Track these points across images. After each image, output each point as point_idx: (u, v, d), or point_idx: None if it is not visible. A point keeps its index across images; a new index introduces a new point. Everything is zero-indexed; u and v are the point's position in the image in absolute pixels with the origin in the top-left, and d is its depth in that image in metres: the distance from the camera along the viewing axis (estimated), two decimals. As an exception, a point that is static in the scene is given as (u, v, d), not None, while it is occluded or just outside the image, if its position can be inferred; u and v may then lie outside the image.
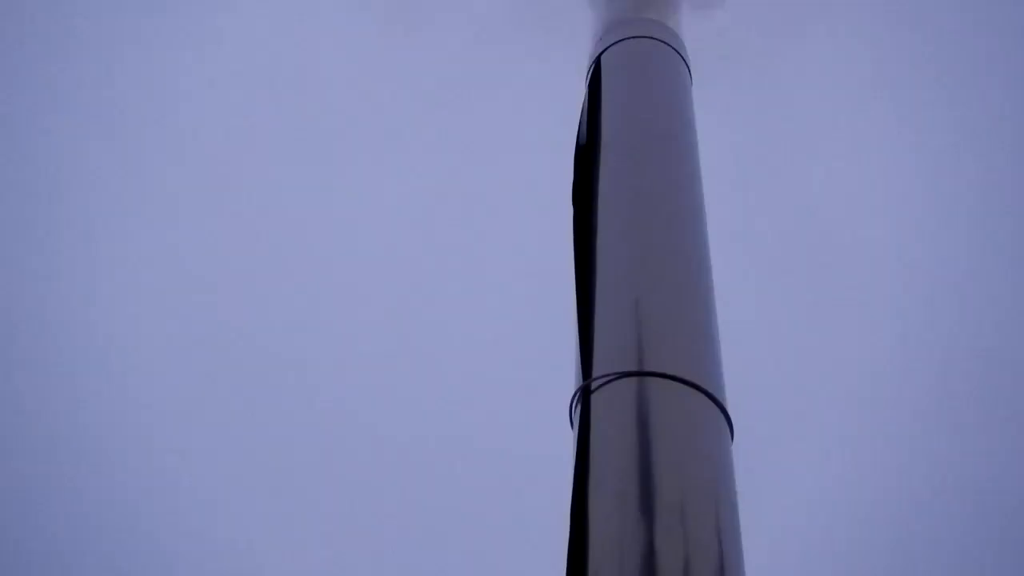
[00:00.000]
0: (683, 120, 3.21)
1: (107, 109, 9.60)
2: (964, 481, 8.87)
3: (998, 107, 9.32)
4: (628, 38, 3.46)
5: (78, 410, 9.53)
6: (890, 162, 9.23)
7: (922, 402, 9.08)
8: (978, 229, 9.42)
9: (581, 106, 3.36)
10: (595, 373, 2.49)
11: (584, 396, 2.49)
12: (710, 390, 2.49)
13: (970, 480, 8.86)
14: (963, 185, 9.36)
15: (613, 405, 2.41)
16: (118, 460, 9.42)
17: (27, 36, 9.38)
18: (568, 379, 2.67)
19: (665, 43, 3.46)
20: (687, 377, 2.44)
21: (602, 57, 3.48)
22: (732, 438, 2.56)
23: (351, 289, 9.45)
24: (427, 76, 8.34)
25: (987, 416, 9.04)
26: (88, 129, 9.61)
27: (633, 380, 2.40)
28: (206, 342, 9.82)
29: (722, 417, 2.52)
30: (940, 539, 8.84)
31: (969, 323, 9.29)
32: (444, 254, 9.34)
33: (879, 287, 8.95)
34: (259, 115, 9.38)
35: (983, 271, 9.33)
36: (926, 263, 9.23)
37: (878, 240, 9.04)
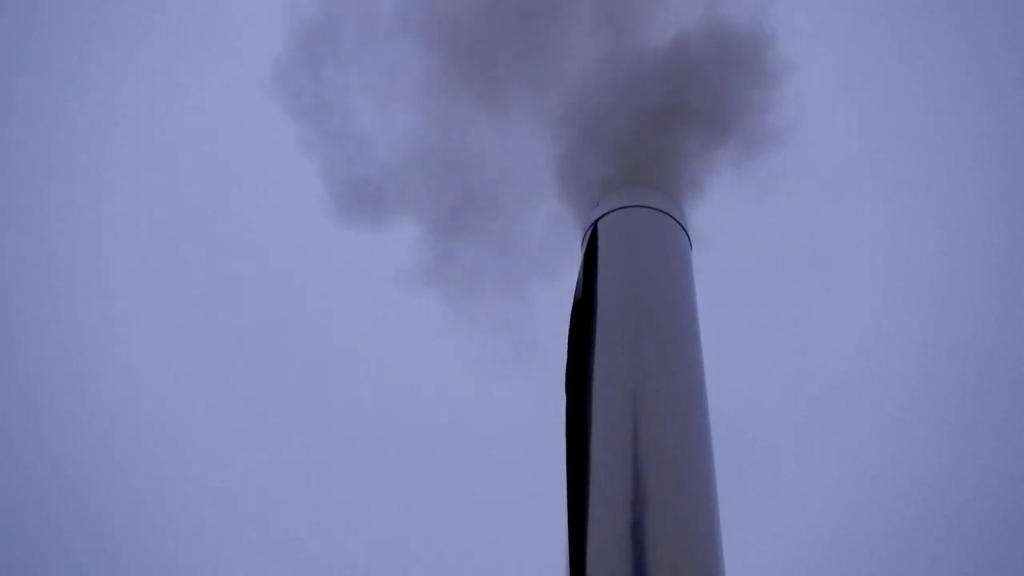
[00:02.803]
0: (682, 294, 3.06)
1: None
2: (964, 480, 8.90)
3: (985, 97, 9.38)
4: (626, 206, 3.37)
5: (80, 409, 9.56)
6: (884, 160, 9.26)
7: (919, 403, 9.10)
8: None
9: (577, 276, 3.23)
10: None
11: None
12: None
13: (970, 480, 8.89)
14: (956, 183, 9.41)
15: None
16: (120, 459, 9.45)
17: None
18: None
19: (664, 212, 3.35)
20: None
21: (599, 223, 3.35)
22: None
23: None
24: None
25: (984, 416, 9.07)
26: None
27: None
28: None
29: None
30: (934, 538, 8.87)
31: (961, 321, 9.33)
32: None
33: (868, 284, 8.97)
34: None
35: (980, 270, 9.37)
36: (915, 260, 9.27)
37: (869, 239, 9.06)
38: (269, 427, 9.88)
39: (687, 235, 3.38)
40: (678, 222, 3.36)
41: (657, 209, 3.36)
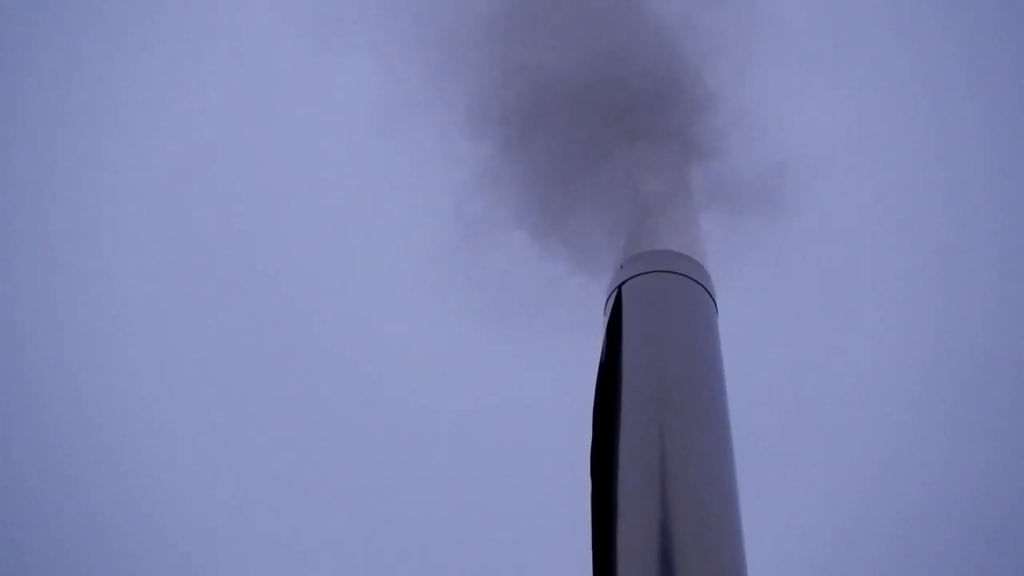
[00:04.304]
0: (709, 366, 2.99)
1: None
2: (962, 481, 8.90)
3: (992, 100, 9.40)
4: (651, 271, 3.29)
5: (80, 409, 9.55)
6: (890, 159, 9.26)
7: (919, 403, 9.11)
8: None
9: (602, 344, 3.16)
10: None
11: None
12: None
13: (969, 480, 8.89)
14: (961, 182, 9.42)
15: None
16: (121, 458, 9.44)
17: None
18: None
19: (689, 277, 3.27)
20: None
21: (623, 288, 3.28)
22: None
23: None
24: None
25: (984, 416, 9.07)
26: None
27: None
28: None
29: None
30: (934, 538, 8.87)
31: (961, 322, 9.34)
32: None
33: (868, 284, 8.98)
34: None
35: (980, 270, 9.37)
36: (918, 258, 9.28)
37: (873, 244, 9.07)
38: (269, 428, 9.89)
39: (713, 300, 3.31)
40: (704, 287, 3.30)
41: (682, 274, 3.29)
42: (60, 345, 9.72)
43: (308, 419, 9.90)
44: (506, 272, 4.54)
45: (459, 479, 9.45)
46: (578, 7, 4.73)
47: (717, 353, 3.08)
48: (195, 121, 9.57)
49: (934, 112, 9.39)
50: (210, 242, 9.97)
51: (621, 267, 3.42)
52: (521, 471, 9.04)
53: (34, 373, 9.61)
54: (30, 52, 9.55)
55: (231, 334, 9.97)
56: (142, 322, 9.92)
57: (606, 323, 3.22)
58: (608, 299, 3.35)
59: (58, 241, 9.86)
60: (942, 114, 9.42)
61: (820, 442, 8.83)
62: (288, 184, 9.77)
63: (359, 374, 9.77)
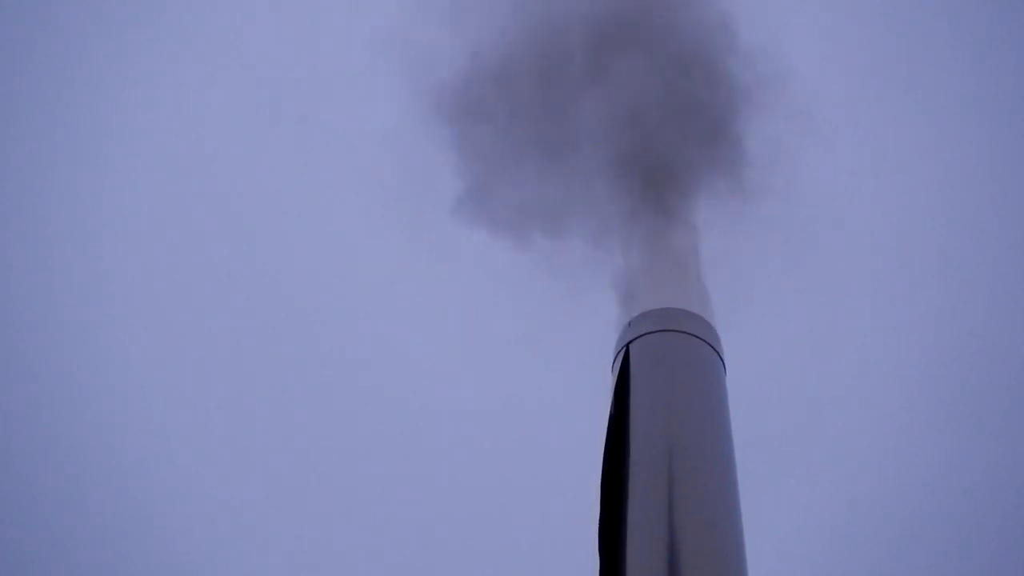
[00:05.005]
0: (716, 427, 2.97)
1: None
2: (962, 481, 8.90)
3: (985, 99, 9.42)
4: (659, 331, 3.26)
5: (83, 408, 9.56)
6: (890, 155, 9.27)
7: (919, 404, 9.11)
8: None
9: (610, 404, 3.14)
10: None
11: None
12: None
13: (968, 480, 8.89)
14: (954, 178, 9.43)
15: None
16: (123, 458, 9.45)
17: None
18: None
19: (697, 336, 3.25)
20: None
21: (632, 346, 3.25)
22: None
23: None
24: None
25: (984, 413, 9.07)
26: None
27: None
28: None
29: None
30: (934, 538, 8.87)
31: (960, 322, 9.34)
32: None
33: (868, 285, 8.99)
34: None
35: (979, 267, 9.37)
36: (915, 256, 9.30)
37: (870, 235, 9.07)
38: (270, 428, 9.89)
39: (721, 358, 3.30)
40: (711, 346, 3.28)
41: (690, 334, 3.27)
42: (60, 345, 9.72)
43: (308, 419, 9.90)
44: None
45: (459, 479, 9.45)
46: None
47: (724, 417, 3.05)
48: (195, 122, 9.58)
49: (934, 112, 9.40)
50: (210, 242, 9.98)
51: (629, 324, 3.38)
52: (521, 471, 9.04)
53: (34, 373, 9.61)
54: (30, 52, 9.56)
55: (231, 334, 9.98)
56: (142, 322, 9.93)
57: (614, 381, 3.18)
58: (616, 356, 3.32)
59: (58, 241, 9.86)
60: (941, 114, 9.43)
61: (820, 442, 8.85)
62: (288, 185, 9.78)
63: (359, 374, 9.78)
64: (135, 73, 9.57)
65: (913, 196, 9.35)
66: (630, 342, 3.27)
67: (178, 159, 9.66)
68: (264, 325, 9.98)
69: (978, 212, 9.54)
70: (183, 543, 9.35)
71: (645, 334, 3.27)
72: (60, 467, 9.38)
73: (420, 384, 9.52)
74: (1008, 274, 9.34)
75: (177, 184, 9.72)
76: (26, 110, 9.61)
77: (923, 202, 9.36)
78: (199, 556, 9.31)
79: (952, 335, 9.27)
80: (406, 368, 9.59)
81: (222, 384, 9.84)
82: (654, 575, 2.48)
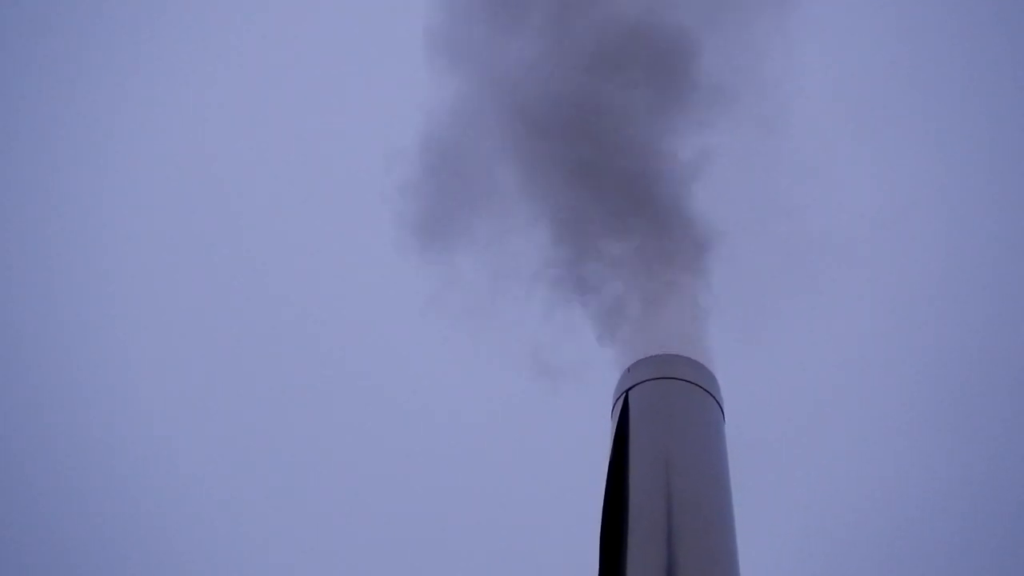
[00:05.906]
0: (715, 476, 2.97)
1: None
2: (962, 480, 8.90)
3: (980, 108, 9.42)
4: (658, 378, 3.26)
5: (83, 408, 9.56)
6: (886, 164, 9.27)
7: (919, 404, 9.11)
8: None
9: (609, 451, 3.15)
10: None
11: None
12: None
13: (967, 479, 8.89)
14: (951, 181, 9.44)
15: None
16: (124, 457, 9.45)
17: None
18: None
19: (695, 384, 3.25)
20: None
21: (631, 393, 3.26)
22: None
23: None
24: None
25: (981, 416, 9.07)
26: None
27: None
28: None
29: None
30: (934, 538, 8.87)
31: (959, 323, 9.34)
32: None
33: (869, 284, 8.98)
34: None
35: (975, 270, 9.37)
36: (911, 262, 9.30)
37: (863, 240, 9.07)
38: (270, 429, 9.89)
39: (719, 405, 3.29)
40: (710, 393, 3.27)
41: (689, 382, 3.26)
42: (60, 345, 9.72)
43: (308, 420, 9.90)
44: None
45: (459, 479, 9.45)
46: None
47: (723, 469, 3.04)
48: (195, 122, 9.58)
49: (935, 109, 9.40)
50: (210, 242, 9.98)
51: (628, 371, 3.37)
52: (520, 471, 9.04)
53: (34, 373, 9.61)
54: (30, 52, 9.56)
55: (231, 334, 9.98)
56: (142, 322, 9.93)
57: (614, 427, 3.18)
58: (616, 402, 3.31)
59: (58, 241, 9.86)
60: (942, 111, 9.43)
61: (820, 443, 8.84)
62: (288, 185, 9.78)
63: (359, 374, 9.78)
64: (135, 73, 9.57)
65: (913, 196, 9.35)
66: (629, 389, 3.27)
67: (178, 159, 9.66)
68: (264, 325, 9.99)
69: (978, 212, 9.54)
70: (183, 543, 9.36)
71: (644, 381, 3.27)
72: (60, 467, 9.39)
73: (420, 385, 9.53)
74: (1008, 275, 9.35)
75: (177, 184, 9.73)
76: (26, 110, 9.61)
77: (923, 202, 9.36)
78: (199, 556, 9.31)
79: (952, 336, 9.28)
80: (406, 369, 9.59)
81: (222, 384, 9.85)
82: None
